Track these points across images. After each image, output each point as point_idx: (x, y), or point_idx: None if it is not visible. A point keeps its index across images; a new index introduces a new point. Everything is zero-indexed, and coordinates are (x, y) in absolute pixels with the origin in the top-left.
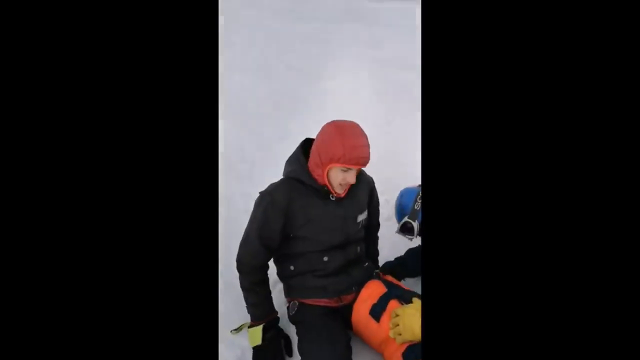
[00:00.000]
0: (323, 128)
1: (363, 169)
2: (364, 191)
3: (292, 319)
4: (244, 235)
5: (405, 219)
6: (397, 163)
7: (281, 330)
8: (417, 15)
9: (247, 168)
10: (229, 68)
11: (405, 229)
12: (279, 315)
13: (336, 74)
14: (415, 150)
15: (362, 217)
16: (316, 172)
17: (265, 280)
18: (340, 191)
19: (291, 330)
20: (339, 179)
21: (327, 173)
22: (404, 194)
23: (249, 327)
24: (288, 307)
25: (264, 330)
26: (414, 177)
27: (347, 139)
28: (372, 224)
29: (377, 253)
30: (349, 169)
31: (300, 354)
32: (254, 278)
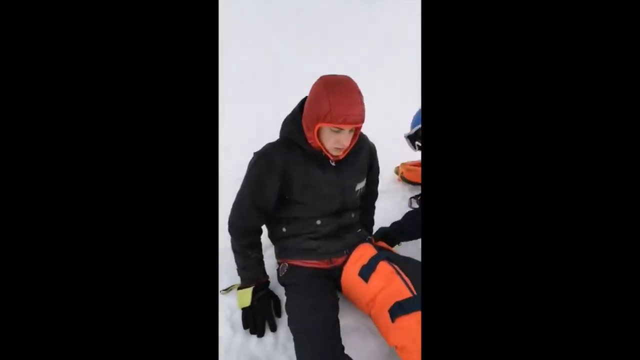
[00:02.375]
0: (313, 85)
1: (365, 134)
2: (365, 158)
3: (282, 281)
4: (236, 197)
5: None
6: (396, 138)
7: (271, 291)
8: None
9: (244, 143)
10: (226, 42)
11: (415, 137)
12: (269, 279)
13: (336, 48)
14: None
15: (360, 186)
16: (308, 135)
17: (258, 244)
18: (336, 154)
19: (280, 292)
20: (332, 141)
21: (319, 134)
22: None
23: (238, 288)
24: (278, 269)
25: (254, 292)
26: (412, 153)
27: (333, 95)
28: (370, 192)
29: (372, 222)
30: (341, 129)
31: (287, 312)
32: (246, 241)
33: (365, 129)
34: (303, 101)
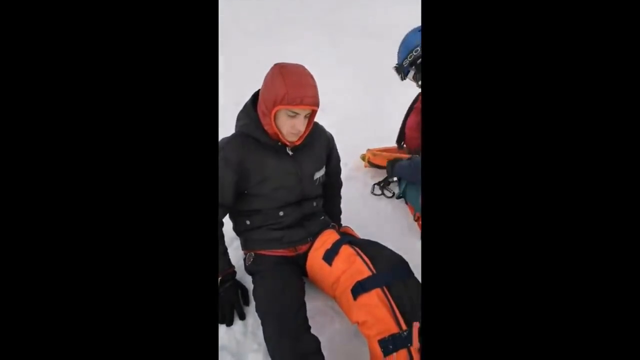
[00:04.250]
0: (267, 73)
1: (321, 125)
2: (322, 147)
3: (249, 270)
4: None
5: (414, 53)
6: (356, 128)
7: (237, 281)
8: None
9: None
10: (225, 37)
11: (410, 65)
12: (235, 270)
13: (294, 39)
14: (375, 116)
15: (319, 174)
16: (265, 121)
17: (221, 236)
18: (292, 139)
19: (248, 281)
20: (288, 126)
21: (275, 119)
22: (414, 31)
23: None
24: (244, 259)
25: (220, 283)
26: (374, 142)
27: (288, 77)
28: (332, 183)
29: (339, 211)
30: (296, 113)
31: (254, 298)
32: None
33: (330, 117)
34: (254, 95)
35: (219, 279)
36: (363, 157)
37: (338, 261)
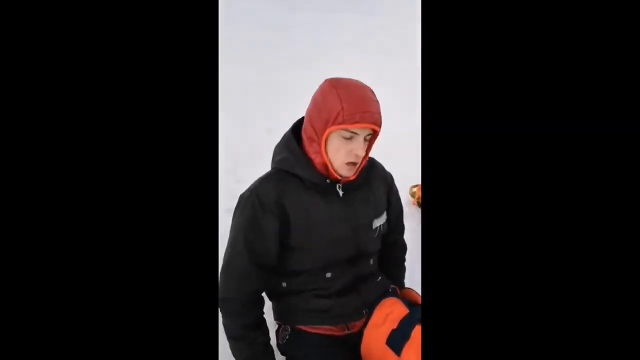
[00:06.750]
0: (316, 90)
1: (379, 161)
2: (381, 188)
3: (282, 349)
4: (225, 257)
5: None
6: (395, 156)
7: None
8: (412, 5)
9: (230, 164)
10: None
11: None
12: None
13: (328, 63)
14: (414, 142)
15: (379, 222)
16: (312, 149)
17: (263, 321)
18: (346, 173)
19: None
20: (342, 153)
21: (326, 145)
22: None
23: None
24: (277, 332)
25: None
26: (414, 170)
27: (345, 92)
28: (395, 243)
29: (402, 273)
30: (354, 133)
31: None
32: (249, 319)
33: None
34: (295, 125)
35: None
36: (412, 193)
37: (410, 350)
